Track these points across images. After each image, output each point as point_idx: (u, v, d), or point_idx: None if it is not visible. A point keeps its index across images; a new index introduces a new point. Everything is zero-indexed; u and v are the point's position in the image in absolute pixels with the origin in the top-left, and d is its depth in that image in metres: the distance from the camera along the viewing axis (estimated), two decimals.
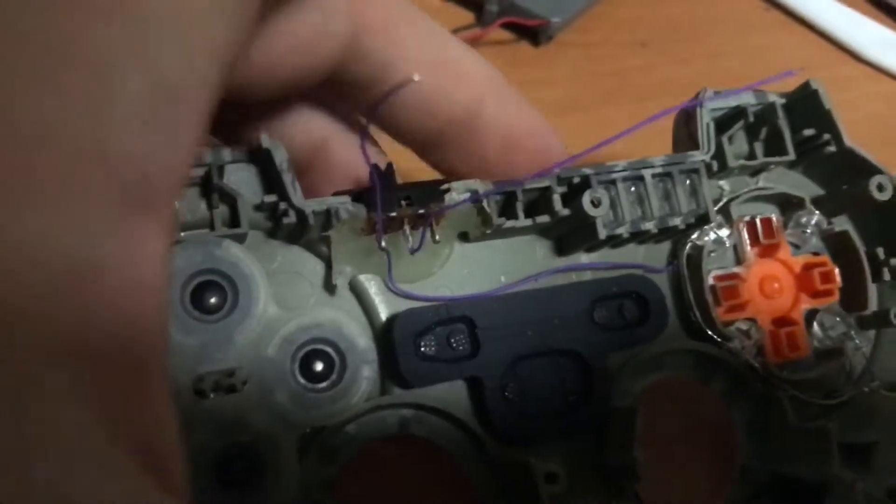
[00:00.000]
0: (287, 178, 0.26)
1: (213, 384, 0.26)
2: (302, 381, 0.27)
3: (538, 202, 0.29)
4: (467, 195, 0.28)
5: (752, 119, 0.33)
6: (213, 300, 0.26)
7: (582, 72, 0.51)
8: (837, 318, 0.34)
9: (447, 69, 0.28)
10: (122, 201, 0.15)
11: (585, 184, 0.29)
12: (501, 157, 0.29)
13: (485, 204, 0.28)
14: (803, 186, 0.35)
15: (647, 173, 0.30)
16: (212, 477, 0.25)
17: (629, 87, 0.52)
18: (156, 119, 0.15)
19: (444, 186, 0.28)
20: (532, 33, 0.55)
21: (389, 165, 0.28)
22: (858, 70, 0.57)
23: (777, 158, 0.33)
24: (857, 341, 0.33)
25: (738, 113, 0.33)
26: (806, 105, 0.33)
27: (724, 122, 0.33)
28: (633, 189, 0.30)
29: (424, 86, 0.27)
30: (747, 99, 0.34)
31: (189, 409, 0.26)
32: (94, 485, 0.13)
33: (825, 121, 0.33)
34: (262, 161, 0.27)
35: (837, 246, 0.34)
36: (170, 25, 0.15)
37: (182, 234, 0.27)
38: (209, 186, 0.27)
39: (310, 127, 0.30)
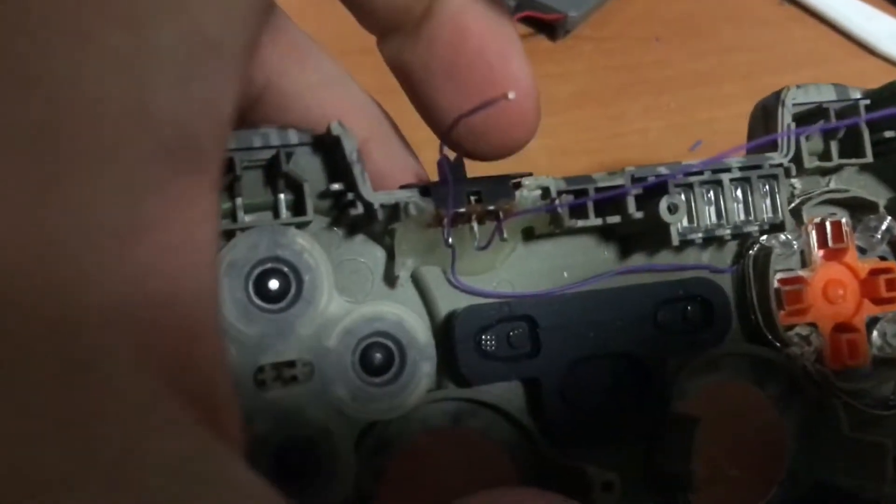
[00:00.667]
0: (357, 168, 0.25)
1: (274, 375, 0.26)
2: (362, 374, 0.27)
3: (609, 201, 0.28)
4: (538, 192, 0.27)
5: (833, 119, 0.31)
6: (276, 290, 0.26)
7: (597, 66, 0.52)
8: None
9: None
10: (165, 160, 0.14)
11: (662, 186, 0.28)
12: (458, 55, 0.27)
13: (559, 208, 0.27)
14: (875, 189, 0.34)
15: (725, 178, 0.29)
16: (269, 469, 0.25)
17: (644, 81, 0.52)
18: (196, 75, 0.15)
19: (515, 181, 0.27)
20: (549, 28, 0.55)
21: (458, 158, 0.27)
22: (872, 63, 0.57)
23: (854, 160, 0.32)
24: None
25: (818, 111, 0.31)
26: (889, 105, 0.32)
27: (802, 119, 0.32)
28: (710, 193, 0.29)
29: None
30: (827, 94, 0.32)
31: (249, 399, 0.25)
32: (160, 442, 0.13)
33: None
34: (328, 147, 0.26)
35: None
36: None
37: (247, 218, 0.26)
38: (275, 170, 0.26)
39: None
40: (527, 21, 0.54)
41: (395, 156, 0.28)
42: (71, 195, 0.13)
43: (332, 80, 0.27)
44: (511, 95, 0.22)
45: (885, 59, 0.57)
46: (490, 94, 0.25)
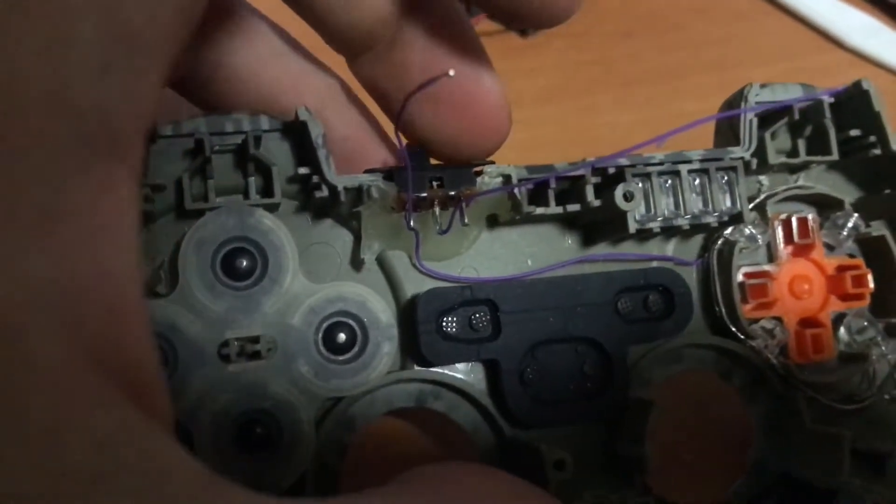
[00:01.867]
0: (322, 153, 0.27)
1: (238, 349, 0.27)
2: (324, 351, 0.28)
3: (570, 191, 0.29)
4: (499, 179, 0.28)
5: (797, 117, 0.32)
6: (243, 267, 0.27)
7: (569, 61, 0.52)
8: (865, 323, 0.33)
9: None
10: (85, 147, 0.15)
11: (620, 175, 0.29)
12: (421, 70, 0.27)
13: (516, 191, 0.28)
14: (842, 187, 0.34)
15: (683, 168, 0.29)
16: (232, 440, 0.26)
17: (614, 76, 0.53)
18: (116, 65, 0.15)
19: (477, 169, 0.28)
20: None
21: (421, 146, 0.28)
22: (842, 57, 0.57)
23: (820, 158, 0.33)
24: (883, 348, 0.33)
25: (783, 109, 0.32)
26: (854, 105, 0.32)
27: (767, 118, 0.32)
28: (668, 183, 0.30)
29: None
30: (794, 93, 0.33)
31: (213, 372, 0.26)
32: (84, 418, 0.14)
33: (873, 122, 0.32)
34: (296, 133, 0.27)
35: (873, 250, 0.34)
36: None
37: (217, 199, 0.27)
38: (245, 155, 0.27)
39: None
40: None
41: (352, 121, 0.29)
42: None
43: (282, 51, 0.28)
44: (451, 73, 0.23)
45: (855, 52, 0.57)
46: (466, 112, 0.27)
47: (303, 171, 0.27)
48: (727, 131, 0.33)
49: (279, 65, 0.28)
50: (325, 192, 0.27)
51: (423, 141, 0.28)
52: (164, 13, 0.16)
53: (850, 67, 0.56)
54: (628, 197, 0.28)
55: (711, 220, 0.30)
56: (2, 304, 0.14)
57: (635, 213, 0.28)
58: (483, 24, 0.53)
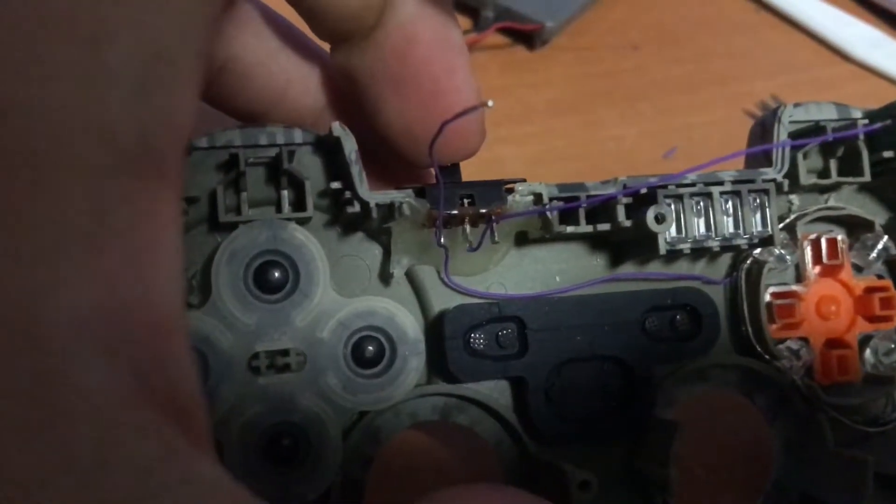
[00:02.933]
0: (355, 168, 0.27)
1: (268, 362, 0.27)
2: (353, 365, 0.28)
3: (600, 209, 0.29)
4: (530, 198, 0.28)
5: (831, 138, 0.32)
6: (274, 280, 0.27)
7: (575, 74, 0.52)
8: (893, 346, 0.33)
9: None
10: (128, 170, 0.15)
11: (652, 196, 0.29)
12: (405, 66, 0.27)
13: (548, 213, 0.28)
14: (873, 209, 0.34)
15: (715, 190, 0.29)
16: (260, 452, 0.27)
17: (621, 89, 0.53)
18: (152, 87, 0.15)
19: (508, 186, 0.28)
20: (527, 38, 0.56)
21: (456, 163, 0.28)
22: (847, 69, 0.57)
23: (851, 179, 0.32)
24: None
25: (816, 128, 0.32)
26: (889, 126, 0.32)
27: (800, 136, 0.32)
28: (700, 205, 0.30)
29: None
30: (828, 113, 0.33)
31: (242, 384, 0.27)
32: (130, 444, 0.14)
33: None
34: (329, 147, 0.28)
35: None
36: None
37: (250, 212, 0.27)
38: (278, 168, 0.27)
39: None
40: (505, 31, 0.55)
41: None
42: (40, 211, 0.14)
43: (288, 41, 0.28)
44: (490, 104, 0.23)
45: (860, 64, 0.57)
46: (433, 106, 0.27)
47: (335, 185, 0.27)
48: (759, 154, 0.32)
49: (288, 57, 0.28)
50: (356, 208, 0.27)
51: (385, 134, 0.28)
52: (193, 27, 0.17)
53: (855, 79, 0.56)
54: (660, 219, 0.28)
55: (742, 242, 0.30)
56: (48, 333, 0.14)
57: (666, 235, 0.28)
58: (491, 38, 0.53)
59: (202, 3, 0.17)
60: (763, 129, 0.32)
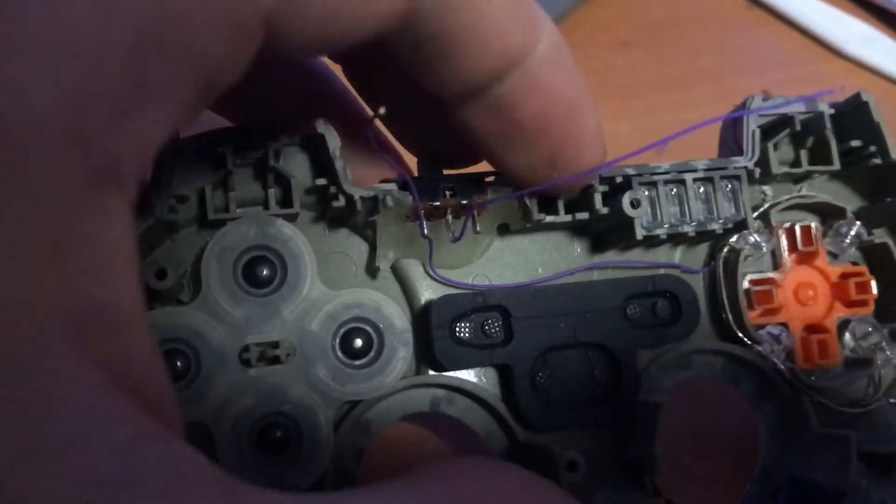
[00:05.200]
0: (339, 164, 0.28)
1: (259, 354, 0.27)
2: (341, 356, 0.28)
3: (579, 199, 0.30)
4: (509, 188, 0.29)
5: (798, 128, 0.33)
6: (263, 275, 0.28)
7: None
8: (870, 329, 0.34)
9: (518, 5, 0.24)
10: (93, 183, 0.16)
11: (627, 184, 0.30)
12: (534, 122, 0.26)
13: (526, 199, 0.29)
14: (845, 197, 0.35)
15: (688, 177, 0.30)
16: (253, 442, 0.27)
17: (613, 86, 0.53)
18: (131, 112, 0.16)
19: (488, 178, 0.29)
20: None
21: (436, 155, 0.29)
22: (839, 65, 0.58)
23: (821, 167, 0.33)
24: (888, 353, 0.34)
25: (785, 121, 0.33)
26: (855, 116, 0.33)
27: (770, 129, 0.33)
28: (673, 192, 0.31)
29: (491, 16, 0.23)
30: (796, 107, 0.34)
31: (234, 376, 0.27)
32: (107, 426, 0.15)
33: (873, 133, 0.33)
34: (314, 146, 0.28)
35: (876, 257, 0.34)
36: None
37: (238, 210, 0.28)
38: (265, 167, 0.28)
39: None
40: None
41: None
42: (16, 215, 0.15)
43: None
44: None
45: (853, 61, 0.58)
46: (562, 155, 0.26)
47: (320, 182, 0.28)
48: (731, 144, 0.34)
49: None
50: (342, 202, 0.28)
51: (502, 170, 0.28)
52: (183, 73, 0.17)
53: (848, 76, 0.57)
54: (635, 204, 0.29)
55: (716, 226, 0.30)
56: (27, 327, 0.15)
57: (642, 220, 0.29)
58: None
59: (201, 49, 0.18)
60: (734, 121, 0.33)
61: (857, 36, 0.58)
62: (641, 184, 0.30)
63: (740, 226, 0.31)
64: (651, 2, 0.58)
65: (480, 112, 0.25)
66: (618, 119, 0.49)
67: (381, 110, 0.24)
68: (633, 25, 0.56)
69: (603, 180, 0.30)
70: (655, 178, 0.30)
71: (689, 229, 0.30)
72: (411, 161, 0.31)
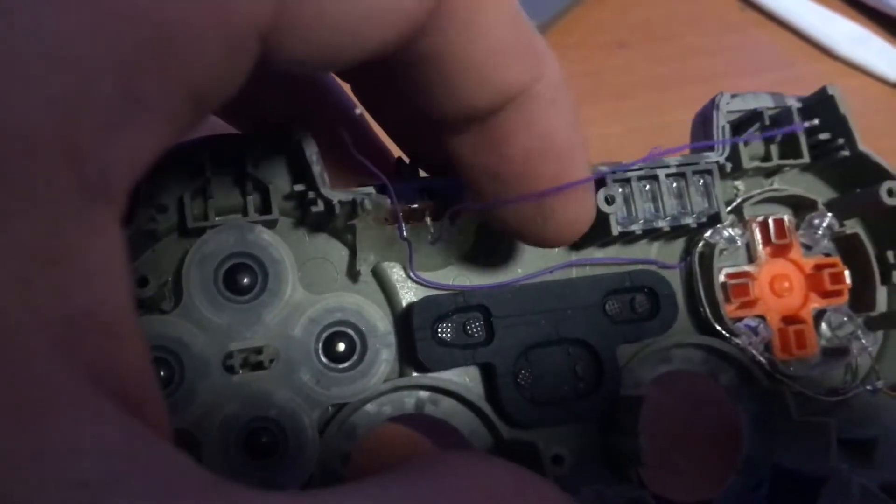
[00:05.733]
0: (316, 169, 0.28)
1: (242, 360, 0.28)
2: (325, 360, 0.29)
3: None
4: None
5: (767, 122, 0.33)
6: (244, 282, 0.28)
7: (562, 72, 0.53)
8: (845, 318, 0.35)
9: (522, 37, 0.24)
10: (84, 194, 0.16)
11: (601, 182, 0.30)
12: (523, 162, 0.25)
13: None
14: (817, 189, 0.36)
15: (661, 173, 0.31)
16: (239, 447, 0.27)
17: (607, 87, 0.54)
18: (124, 125, 0.17)
19: None
20: None
21: (414, 159, 0.30)
22: (831, 66, 0.59)
23: (791, 161, 0.34)
24: (864, 341, 0.34)
25: (754, 115, 0.34)
26: (822, 109, 0.34)
27: (740, 125, 0.34)
28: (647, 188, 0.31)
29: (493, 43, 0.23)
30: (765, 101, 0.35)
31: (219, 383, 0.27)
32: (95, 430, 0.15)
33: (840, 125, 0.34)
34: (292, 151, 0.29)
35: (848, 248, 0.35)
36: None
37: (217, 218, 0.28)
38: (243, 175, 0.28)
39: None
40: None
41: None
42: (7, 223, 0.15)
43: None
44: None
45: (845, 61, 0.59)
46: (552, 208, 0.25)
47: (298, 187, 0.28)
48: (702, 140, 0.34)
49: None
50: (320, 207, 0.28)
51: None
52: (175, 88, 0.17)
53: (840, 76, 0.57)
54: (609, 200, 0.29)
55: (690, 220, 0.31)
56: (16, 331, 0.15)
57: (617, 216, 0.30)
58: None
59: (195, 65, 0.18)
60: (704, 118, 0.34)
61: (849, 36, 0.59)
62: (615, 181, 0.30)
63: (714, 219, 0.31)
64: (645, 3, 0.59)
65: (470, 141, 0.25)
66: (610, 120, 0.49)
67: (358, 111, 0.25)
68: (628, 27, 0.57)
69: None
70: (629, 174, 0.31)
71: (663, 224, 0.31)
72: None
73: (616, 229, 0.30)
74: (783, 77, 0.57)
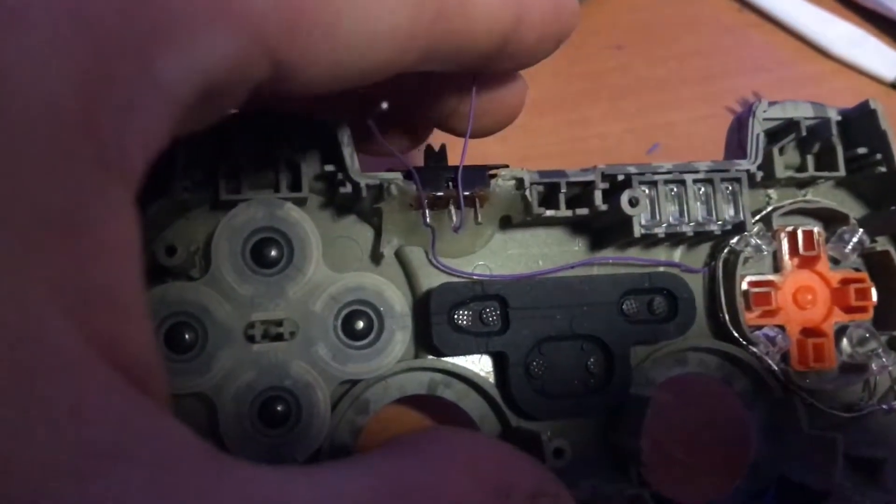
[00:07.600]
0: (347, 151, 0.29)
1: (263, 331, 0.29)
2: (342, 336, 0.30)
3: (580, 195, 0.31)
4: (512, 182, 0.30)
5: (804, 133, 0.33)
6: (270, 255, 0.29)
7: (560, 73, 0.53)
8: (867, 335, 0.34)
9: None
10: (102, 171, 0.17)
11: (628, 182, 0.30)
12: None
13: (527, 192, 0.29)
14: (850, 204, 0.35)
15: (689, 178, 0.31)
16: (253, 415, 0.28)
17: (605, 88, 0.54)
18: (141, 106, 0.17)
19: (491, 172, 0.30)
20: None
21: (442, 147, 0.30)
22: (827, 66, 0.58)
23: (826, 173, 0.34)
24: (884, 360, 0.34)
25: (790, 125, 0.33)
26: (861, 123, 0.34)
27: (776, 133, 0.34)
28: (674, 192, 0.31)
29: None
30: (804, 111, 0.34)
31: (239, 351, 0.29)
32: (102, 398, 0.16)
33: (879, 141, 0.33)
34: (324, 133, 0.29)
35: (877, 265, 0.35)
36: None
37: (249, 193, 0.29)
38: (276, 153, 0.29)
39: None
40: None
41: None
42: (26, 191, 0.16)
43: None
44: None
45: (840, 61, 0.59)
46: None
47: (328, 168, 0.29)
48: (736, 147, 0.34)
49: None
50: (348, 189, 0.29)
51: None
52: (188, 77, 0.18)
53: (836, 76, 0.57)
54: (633, 202, 0.29)
55: (714, 228, 0.31)
56: (28, 300, 0.15)
57: (640, 219, 0.30)
58: None
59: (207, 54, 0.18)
60: (739, 123, 0.34)
61: (845, 37, 0.59)
62: (642, 183, 0.30)
63: (739, 228, 0.31)
64: (642, 5, 0.59)
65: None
66: (608, 120, 0.50)
67: (384, 105, 0.25)
68: (627, 28, 0.57)
69: (604, 178, 0.30)
70: (656, 177, 0.31)
71: (687, 229, 0.31)
72: (417, 154, 0.32)
73: (639, 231, 0.30)
74: (780, 77, 0.57)
